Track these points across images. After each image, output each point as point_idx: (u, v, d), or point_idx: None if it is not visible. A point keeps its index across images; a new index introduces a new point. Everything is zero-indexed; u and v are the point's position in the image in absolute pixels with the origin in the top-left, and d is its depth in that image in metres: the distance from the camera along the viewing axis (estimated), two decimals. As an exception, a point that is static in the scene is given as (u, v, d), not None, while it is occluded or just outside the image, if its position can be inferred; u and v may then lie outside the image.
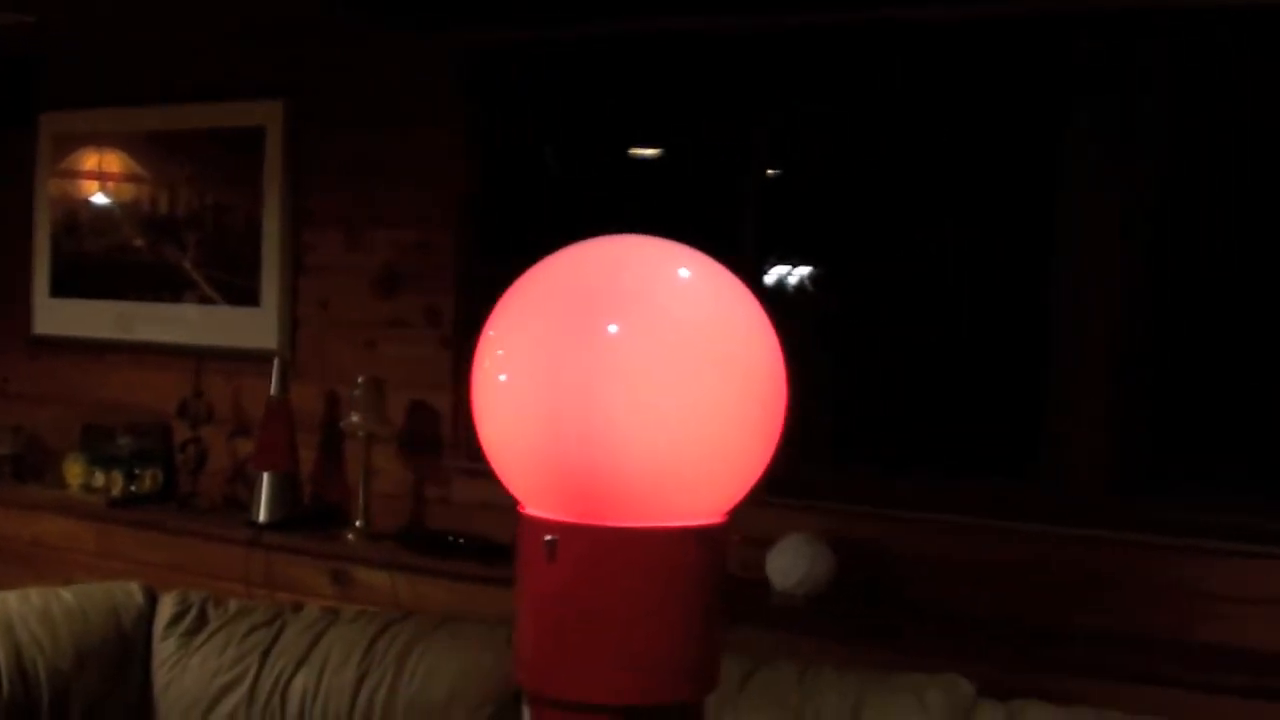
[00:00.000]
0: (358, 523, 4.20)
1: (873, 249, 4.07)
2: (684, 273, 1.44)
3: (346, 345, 4.38)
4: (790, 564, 3.79)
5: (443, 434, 4.27)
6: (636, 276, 1.44)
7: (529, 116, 4.26)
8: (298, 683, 3.72)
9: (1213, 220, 3.63)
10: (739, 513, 1.48)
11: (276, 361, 4.34)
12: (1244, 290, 3.63)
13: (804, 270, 4.25)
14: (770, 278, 4.25)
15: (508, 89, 4.23)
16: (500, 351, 1.46)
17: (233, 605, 3.90)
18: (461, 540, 4.10)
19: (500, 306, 1.49)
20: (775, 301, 4.08)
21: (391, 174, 4.27)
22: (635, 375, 1.37)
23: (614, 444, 1.37)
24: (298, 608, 3.91)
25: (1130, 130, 3.60)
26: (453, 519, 4.23)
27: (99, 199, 4.88)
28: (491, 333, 1.48)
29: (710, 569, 1.43)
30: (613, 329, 1.39)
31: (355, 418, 4.17)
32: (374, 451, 4.21)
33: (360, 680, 3.70)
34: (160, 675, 3.78)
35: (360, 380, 4.16)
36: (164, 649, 3.80)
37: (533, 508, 1.46)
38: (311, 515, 4.32)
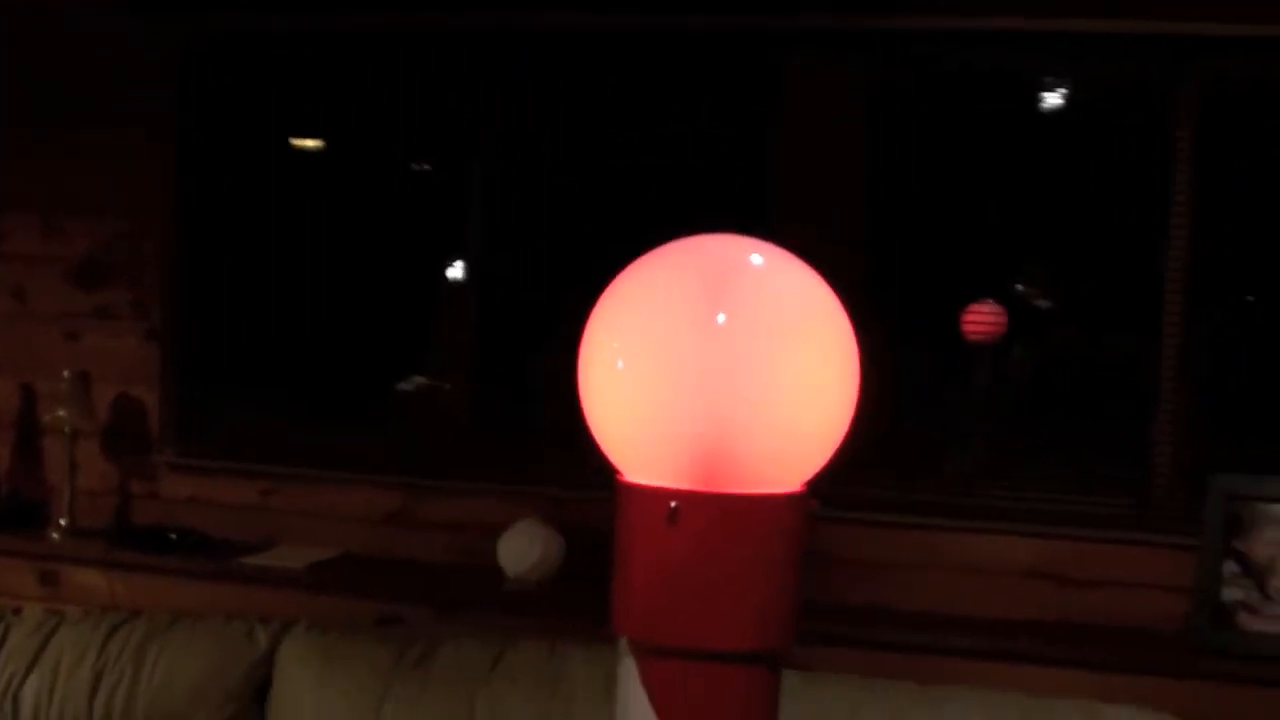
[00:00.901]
0: (62, 521, 4.03)
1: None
2: (770, 263, 1.59)
3: (45, 337, 4.18)
4: (522, 549, 3.91)
5: (150, 429, 4.15)
6: (732, 269, 1.58)
7: (242, 106, 4.21)
8: (30, 687, 3.56)
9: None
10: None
11: (-37, 354, 4.10)
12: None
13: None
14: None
15: (219, 76, 4.16)
16: (615, 343, 1.57)
17: (-55, 614, 3.68)
18: (175, 536, 4.01)
19: (604, 303, 1.60)
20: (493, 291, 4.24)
21: (96, 161, 4.11)
22: (747, 359, 1.51)
23: (734, 421, 1.51)
24: (17, 611, 3.73)
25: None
26: (161, 515, 4.11)
27: None
28: (602, 326, 1.59)
29: (801, 531, 1.59)
30: (720, 318, 1.52)
31: (61, 412, 4.00)
32: (77, 447, 4.04)
33: (96, 682, 3.59)
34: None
35: (66, 374, 3.99)
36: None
37: (641, 478, 1.57)
38: (9, 514, 4.10)
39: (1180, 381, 3.80)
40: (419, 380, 4.74)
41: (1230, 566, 3.62)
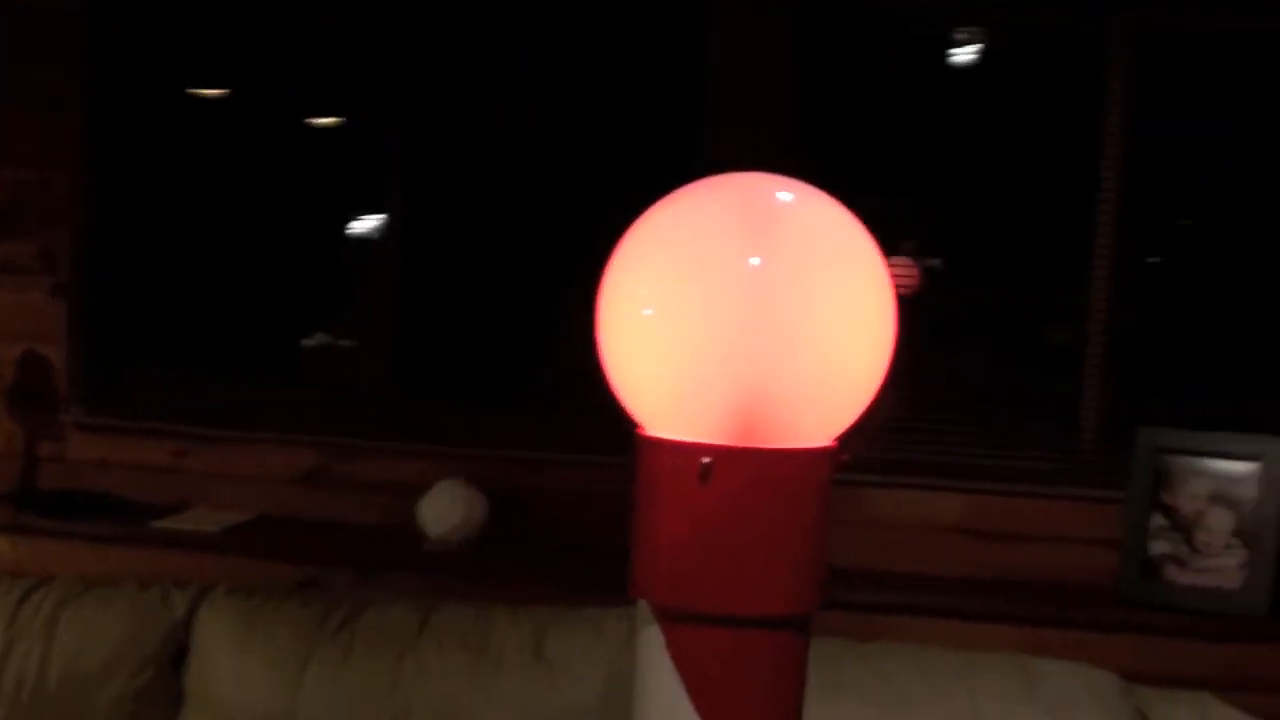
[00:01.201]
0: (-39, 484, 3.85)
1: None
2: (802, 201, 1.52)
3: (-60, 290, 3.99)
4: (444, 510, 3.82)
5: (57, 387, 3.97)
6: (765, 207, 1.51)
7: (152, 55, 4.03)
8: (-61, 656, 3.40)
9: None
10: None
11: None
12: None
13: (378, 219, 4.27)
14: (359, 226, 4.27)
15: (128, 24, 3.98)
16: (643, 289, 1.49)
17: None
18: (84, 499, 3.85)
19: (628, 245, 1.52)
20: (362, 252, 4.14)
21: (0, 108, 3.91)
22: (788, 303, 1.44)
23: (776, 370, 1.44)
24: (-79, 578, 3.56)
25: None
26: (69, 478, 3.95)
27: None
28: (626, 269, 1.51)
29: (829, 487, 1.53)
30: (755, 260, 1.45)
31: (-39, 370, 3.81)
32: (-22, 407, 3.86)
33: (8, 650, 3.44)
34: None
35: (-33, 330, 3.81)
36: None
37: (667, 432, 1.49)
38: (-99, 477, 3.90)
39: (1107, 336, 3.81)
40: (323, 338, 4.61)
41: (1158, 520, 3.64)
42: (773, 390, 1.45)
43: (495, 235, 4.04)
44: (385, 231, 4.13)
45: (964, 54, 4.04)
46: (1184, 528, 3.63)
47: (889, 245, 3.77)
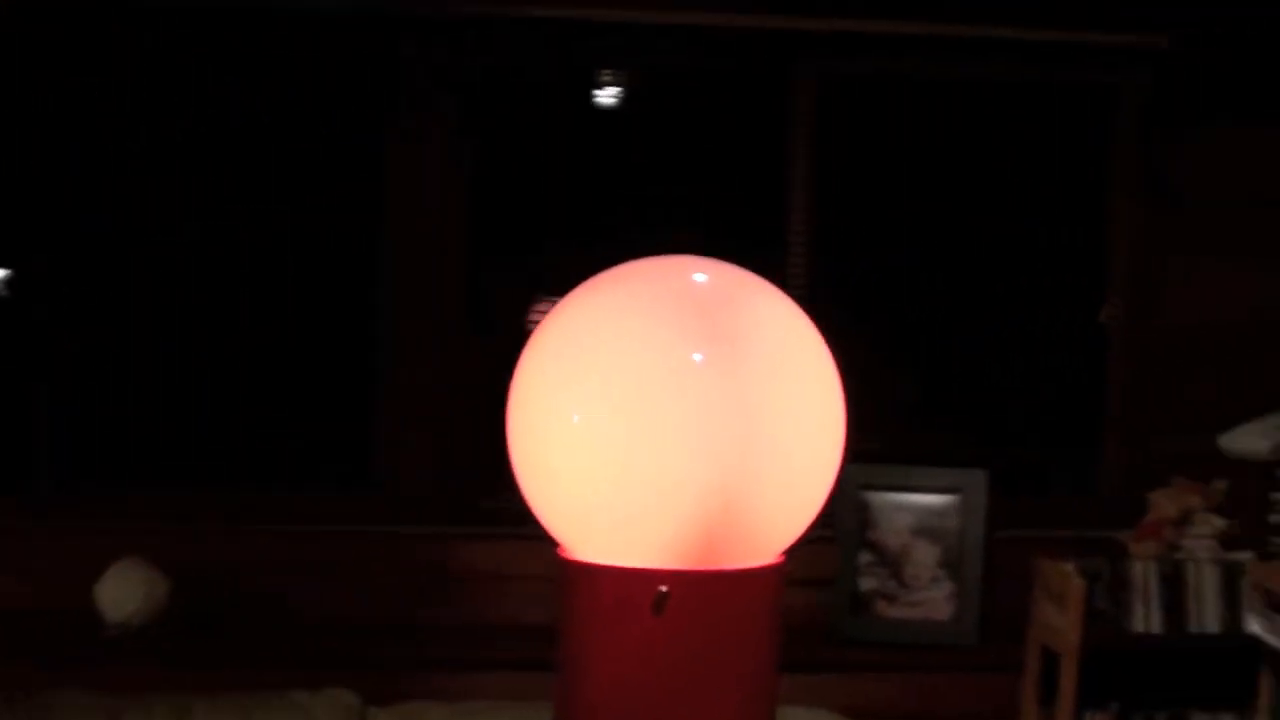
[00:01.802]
0: None
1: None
2: (748, 290, 1.38)
3: None
4: (123, 593, 3.46)
5: None
6: (711, 298, 1.36)
7: None
8: None
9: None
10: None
11: None
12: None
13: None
14: None
15: None
16: (569, 393, 1.30)
17: None
18: None
19: (544, 342, 1.33)
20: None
21: None
22: (753, 406, 1.30)
23: (743, 482, 1.29)
24: None
25: (451, 143, 3.70)
26: None
27: None
28: (545, 371, 1.32)
29: (779, 603, 1.39)
30: (697, 357, 1.31)
31: None
32: None
33: None
34: None
35: None
36: None
37: (600, 556, 1.32)
38: None
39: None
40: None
41: (865, 556, 3.65)
42: (739, 504, 1.29)
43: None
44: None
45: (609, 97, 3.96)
46: (891, 562, 3.66)
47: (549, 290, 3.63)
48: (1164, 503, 3.56)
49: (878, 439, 3.80)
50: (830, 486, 1.36)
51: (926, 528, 3.66)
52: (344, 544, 3.61)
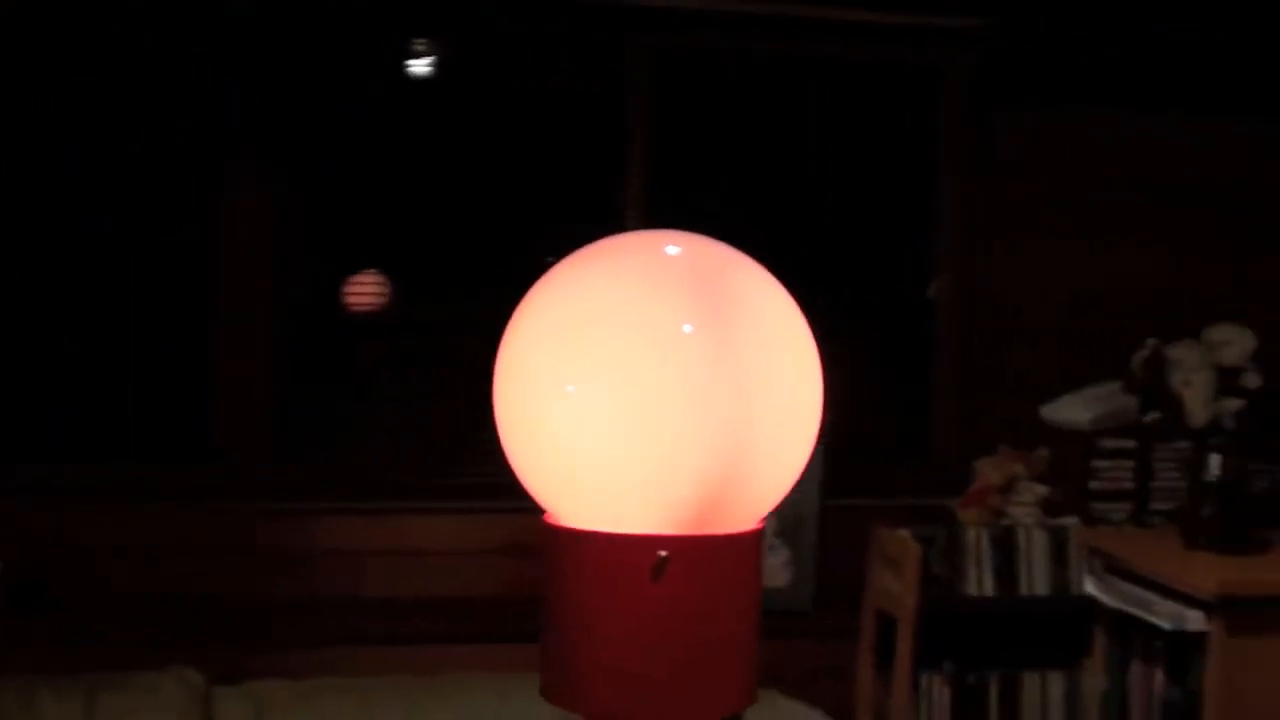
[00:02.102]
0: None
1: None
2: (735, 263, 1.41)
3: None
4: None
5: None
6: (702, 269, 1.38)
7: None
8: None
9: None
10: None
11: None
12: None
13: None
14: None
15: None
16: (565, 364, 1.32)
17: None
18: None
19: (533, 313, 1.35)
20: None
21: None
22: (748, 374, 1.33)
23: (741, 448, 1.33)
24: None
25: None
26: None
27: None
28: (538, 340, 1.33)
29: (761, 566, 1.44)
30: (687, 328, 1.34)
31: None
32: None
33: None
34: None
35: None
36: None
37: (592, 523, 1.34)
38: None
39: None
40: None
41: (705, 526, 3.73)
42: (737, 471, 1.32)
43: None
44: None
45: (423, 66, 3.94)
46: (731, 531, 3.73)
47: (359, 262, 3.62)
48: (989, 471, 3.71)
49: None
50: (807, 455, 1.39)
51: (764, 497, 3.74)
52: (183, 521, 3.53)
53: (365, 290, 3.93)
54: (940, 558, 3.47)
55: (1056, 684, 3.50)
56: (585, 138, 3.88)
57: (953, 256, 3.93)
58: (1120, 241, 3.77)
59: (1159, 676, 2.97)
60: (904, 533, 3.51)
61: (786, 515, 3.70)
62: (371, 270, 3.91)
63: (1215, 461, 2.97)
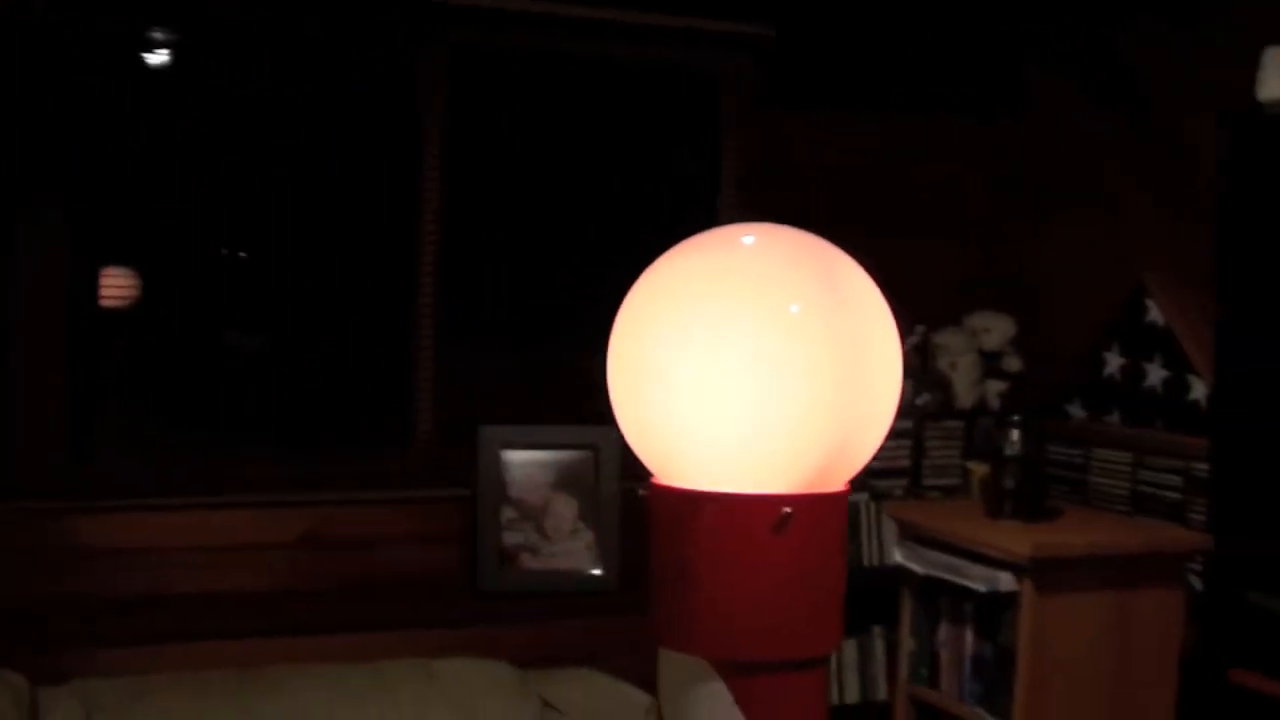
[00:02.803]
0: None
1: None
2: (831, 251, 1.59)
3: None
4: None
5: None
6: (805, 256, 1.56)
7: None
8: None
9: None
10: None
11: None
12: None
13: None
14: None
15: None
16: (698, 342, 1.48)
17: None
18: None
19: (647, 300, 1.51)
20: None
21: None
22: (861, 350, 1.52)
23: (859, 417, 1.52)
24: None
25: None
26: None
27: None
28: (656, 325, 1.50)
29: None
30: (794, 309, 1.52)
31: None
32: None
33: None
34: None
35: None
36: None
37: (713, 485, 1.50)
38: None
39: (434, 341, 3.96)
40: None
41: (508, 512, 3.88)
42: (853, 439, 1.51)
43: None
44: None
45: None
46: (533, 517, 3.90)
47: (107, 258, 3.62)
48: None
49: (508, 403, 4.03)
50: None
51: (565, 482, 3.92)
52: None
53: (117, 286, 3.90)
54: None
55: (876, 646, 3.84)
56: (380, 138, 3.95)
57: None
58: (888, 235, 4.10)
59: (969, 636, 3.29)
60: (707, 512, 3.74)
61: (589, 500, 3.88)
62: (121, 267, 3.88)
63: (1015, 437, 3.31)
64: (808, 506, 1.50)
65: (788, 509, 1.48)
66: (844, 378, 1.49)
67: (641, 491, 1.48)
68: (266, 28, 3.77)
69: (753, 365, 1.46)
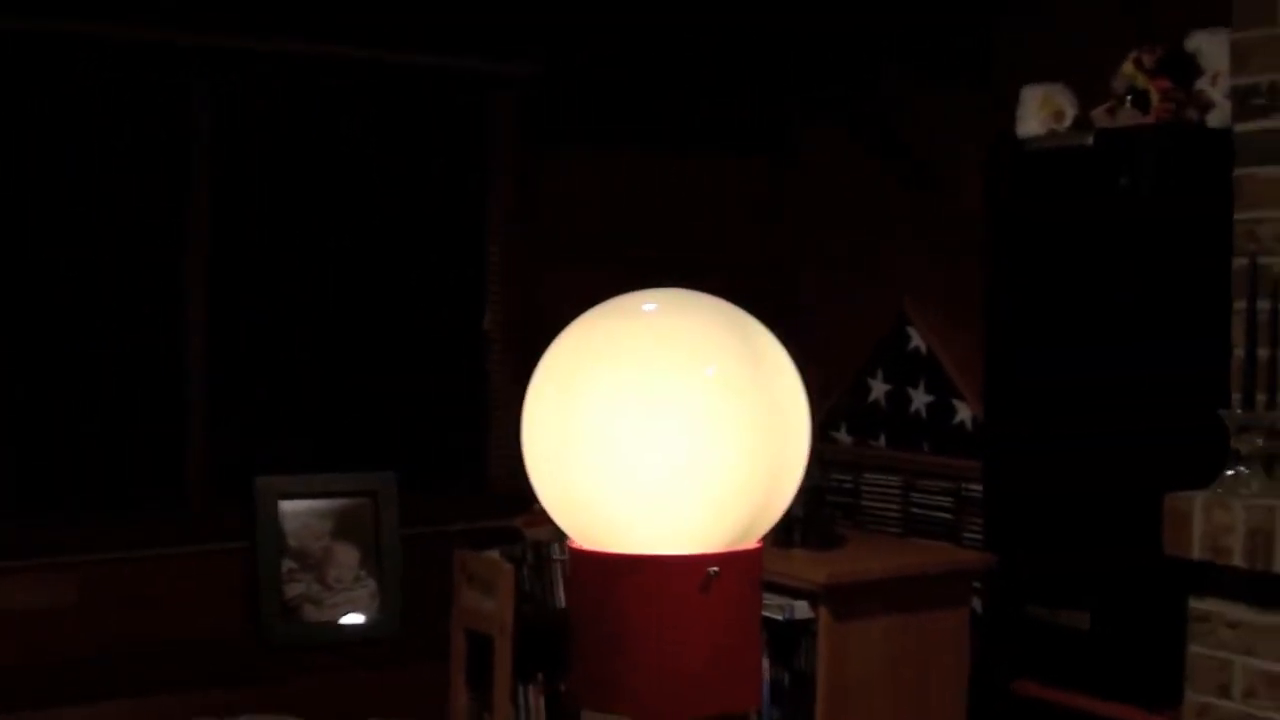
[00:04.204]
0: None
1: None
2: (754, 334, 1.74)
3: None
4: None
5: None
6: (723, 322, 1.71)
7: None
8: None
9: None
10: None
11: None
12: None
13: None
14: None
15: None
16: (620, 401, 1.62)
17: None
18: None
19: (562, 363, 1.64)
20: None
21: None
22: (779, 417, 1.69)
23: (780, 472, 1.68)
24: None
25: None
26: None
27: None
28: (583, 392, 1.62)
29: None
30: (710, 371, 1.68)
31: None
32: None
33: None
34: None
35: None
36: None
37: (636, 548, 1.64)
38: None
39: (207, 395, 3.96)
40: None
41: (288, 564, 3.91)
42: (775, 490, 1.67)
43: None
44: None
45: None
46: (315, 567, 3.94)
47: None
48: (550, 490, 4.12)
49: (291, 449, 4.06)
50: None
51: (345, 531, 3.97)
52: None
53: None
54: (531, 575, 3.83)
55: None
56: (149, 178, 3.94)
57: (502, 290, 4.30)
58: (656, 269, 4.27)
59: (765, 663, 3.48)
60: (493, 554, 3.84)
61: (369, 547, 3.94)
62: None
63: (802, 468, 3.51)
64: (730, 564, 1.63)
65: (714, 568, 1.61)
66: (766, 430, 1.62)
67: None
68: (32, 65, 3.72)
69: (679, 425, 1.59)
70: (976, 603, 3.63)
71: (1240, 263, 2.99)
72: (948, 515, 3.91)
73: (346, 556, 3.96)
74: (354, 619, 3.93)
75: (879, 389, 4.18)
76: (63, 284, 3.84)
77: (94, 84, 3.83)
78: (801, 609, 3.38)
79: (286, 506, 3.90)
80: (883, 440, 4.18)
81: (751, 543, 1.68)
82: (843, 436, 4.29)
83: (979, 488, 3.71)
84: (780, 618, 3.37)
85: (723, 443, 1.59)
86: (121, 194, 3.90)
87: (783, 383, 1.65)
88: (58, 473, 3.86)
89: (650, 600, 1.62)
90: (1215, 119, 3.25)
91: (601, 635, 1.63)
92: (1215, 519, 2.90)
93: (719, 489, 1.60)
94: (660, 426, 1.59)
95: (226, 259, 3.98)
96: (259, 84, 4.00)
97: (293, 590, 3.88)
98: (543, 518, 4.02)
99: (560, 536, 3.91)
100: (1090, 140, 3.37)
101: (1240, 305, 2.98)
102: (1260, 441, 2.90)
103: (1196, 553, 2.94)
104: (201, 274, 3.94)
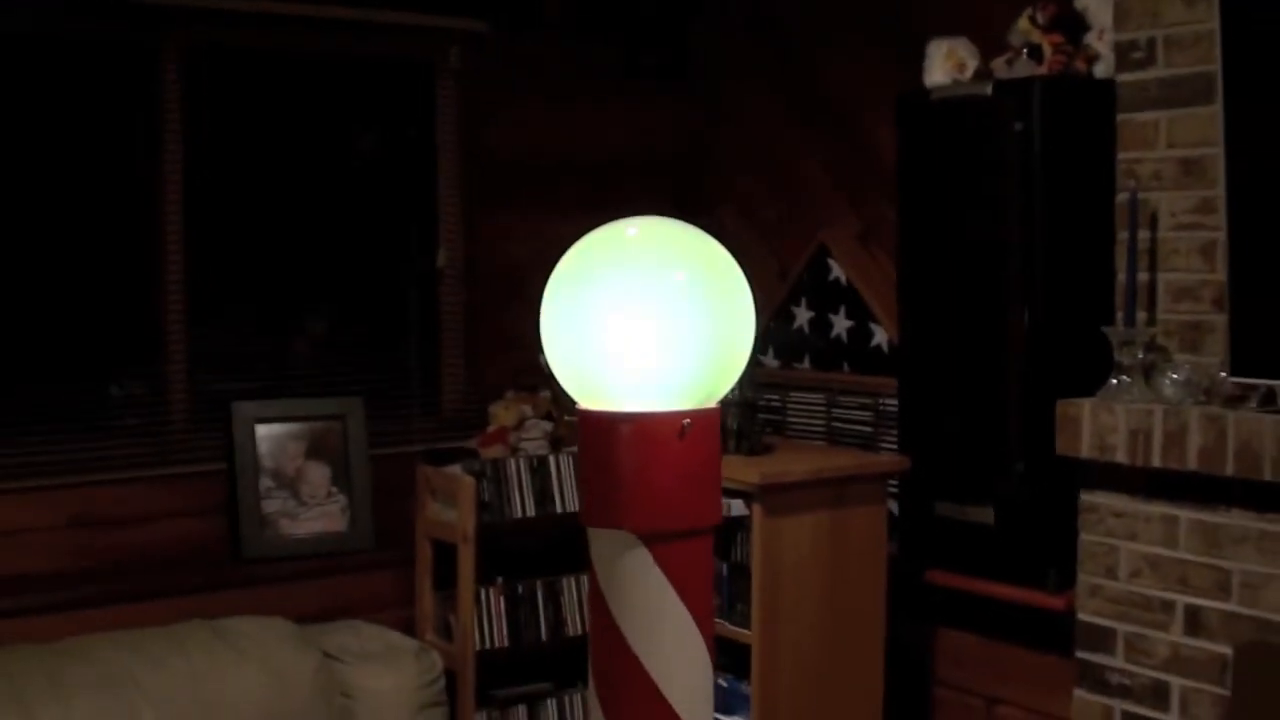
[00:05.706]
0: None
1: None
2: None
3: None
4: None
5: None
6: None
7: None
8: None
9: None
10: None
11: None
12: None
13: None
14: None
15: None
16: (630, 301, 2.18)
17: None
18: None
19: (581, 265, 2.19)
20: None
21: None
22: (732, 302, 2.26)
23: (735, 350, 2.26)
24: None
25: None
26: None
27: None
28: (598, 287, 2.17)
29: (705, 433, 2.35)
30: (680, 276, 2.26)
31: None
32: None
33: None
34: None
35: None
36: None
37: (634, 406, 2.21)
38: None
39: (186, 326, 4.46)
40: None
41: (265, 482, 4.43)
42: (730, 369, 2.24)
43: None
44: None
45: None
46: (289, 485, 4.47)
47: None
48: (502, 413, 4.69)
49: (265, 378, 4.58)
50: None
51: (317, 451, 4.51)
52: None
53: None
54: (490, 487, 4.39)
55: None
56: (119, 138, 4.40)
57: (453, 231, 4.85)
58: (597, 209, 4.83)
59: (706, 555, 4.06)
60: (456, 469, 4.40)
61: (340, 466, 4.48)
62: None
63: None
64: (698, 418, 2.20)
65: (687, 420, 2.18)
66: (725, 317, 2.19)
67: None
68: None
69: (660, 314, 2.15)
70: (892, 503, 4.23)
71: (1122, 198, 3.62)
72: (867, 428, 4.51)
73: (318, 475, 4.49)
74: (327, 531, 4.46)
75: (803, 316, 4.77)
76: (41, 219, 4.29)
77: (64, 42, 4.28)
78: (738, 507, 3.95)
79: (262, 430, 4.42)
80: (807, 362, 4.77)
81: (712, 404, 2.24)
82: (770, 361, 4.87)
83: (894, 403, 4.30)
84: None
85: (693, 328, 2.16)
86: (98, 148, 4.38)
87: (735, 284, 2.21)
88: (50, 403, 4.32)
89: (640, 445, 2.17)
90: (1100, 70, 3.77)
91: (603, 472, 2.18)
92: (1101, 421, 3.50)
93: (691, 361, 2.16)
94: (646, 315, 2.14)
95: (200, 195, 4.47)
96: (226, 41, 4.49)
97: (269, 506, 4.41)
98: (497, 437, 4.58)
99: (511, 454, 4.46)
100: (989, 90, 3.86)
101: (1123, 235, 3.59)
102: (1140, 354, 3.51)
103: (1085, 451, 3.54)
104: (176, 218, 4.42)
